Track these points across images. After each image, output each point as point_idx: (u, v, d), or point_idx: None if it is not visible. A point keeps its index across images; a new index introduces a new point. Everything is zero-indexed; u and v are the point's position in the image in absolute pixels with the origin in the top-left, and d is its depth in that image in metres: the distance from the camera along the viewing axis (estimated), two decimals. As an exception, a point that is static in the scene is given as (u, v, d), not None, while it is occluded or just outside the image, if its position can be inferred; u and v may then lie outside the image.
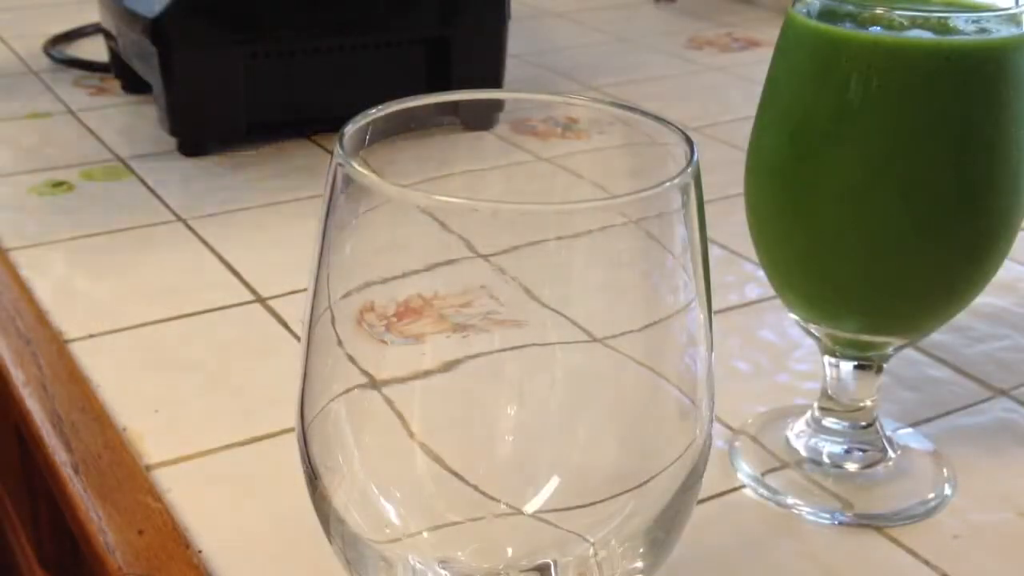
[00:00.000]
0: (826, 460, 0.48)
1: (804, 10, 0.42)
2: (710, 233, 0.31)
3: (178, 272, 0.64)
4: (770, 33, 1.07)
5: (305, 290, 0.30)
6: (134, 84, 0.89)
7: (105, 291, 0.61)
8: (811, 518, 0.45)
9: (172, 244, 0.67)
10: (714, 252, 0.67)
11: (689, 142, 0.29)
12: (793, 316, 0.47)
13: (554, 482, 0.30)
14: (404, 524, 0.31)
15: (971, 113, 0.40)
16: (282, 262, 0.65)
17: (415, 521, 0.31)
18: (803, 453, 0.48)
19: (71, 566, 0.54)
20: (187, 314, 0.59)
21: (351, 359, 0.30)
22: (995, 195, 0.42)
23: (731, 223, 0.68)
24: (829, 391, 0.48)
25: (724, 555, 0.43)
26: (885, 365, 0.47)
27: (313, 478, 0.31)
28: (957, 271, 0.43)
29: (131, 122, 0.86)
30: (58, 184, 0.75)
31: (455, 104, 0.32)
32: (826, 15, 0.42)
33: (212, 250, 0.66)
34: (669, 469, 0.30)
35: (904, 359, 0.56)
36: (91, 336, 0.57)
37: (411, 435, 0.30)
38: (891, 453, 0.48)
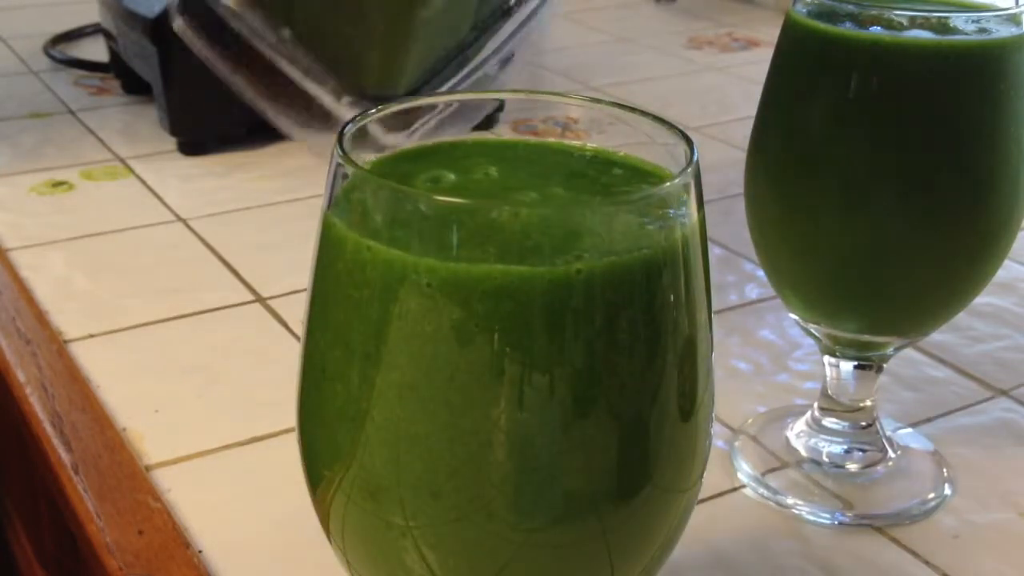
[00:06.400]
0: (826, 460, 0.48)
1: (804, 10, 0.43)
2: (710, 233, 0.32)
3: (178, 272, 0.64)
4: (770, 33, 1.07)
5: (305, 290, 0.30)
6: (134, 84, 0.89)
7: (105, 291, 0.61)
8: (811, 518, 0.45)
9: (172, 244, 0.67)
10: (714, 252, 0.67)
11: (689, 142, 0.29)
12: (793, 316, 0.47)
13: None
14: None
15: (971, 113, 0.40)
16: (282, 262, 0.65)
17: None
18: (803, 453, 0.48)
19: (71, 566, 0.54)
20: (187, 314, 0.59)
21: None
22: (995, 195, 0.42)
23: (731, 223, 0.69)
24: (829, 391, 0.48)
25: (724, 555, 0.43)
26: (885, 365, 0.47)
27: (313, 478, 0.31)
28: (957, 271, 0.43)
29: (131, 122, 0.86)
30: (58, 184, 0.75)
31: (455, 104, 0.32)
32: (826, 15, 0.42)
33: (212, 250, 0.66)
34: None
35: (904, 359, 0.56)
36: (91, 336, 0.57)
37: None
38: (891, 453, 0.48)
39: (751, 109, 0.46)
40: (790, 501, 0.46)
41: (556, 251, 0.26)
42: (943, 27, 0.40)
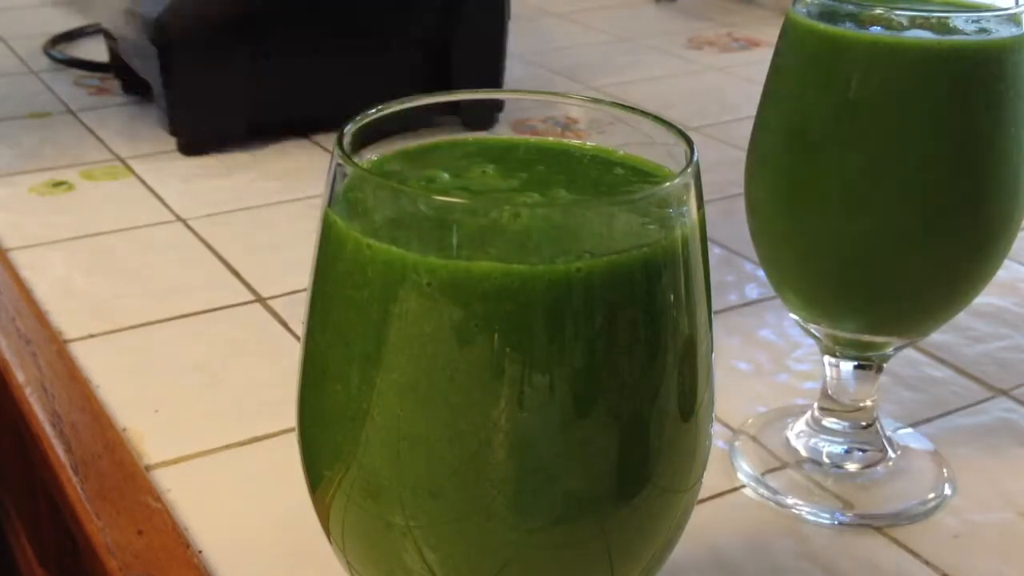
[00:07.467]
0: (826, 460, 0.48)
1: (804, 10, 0.42)
2: (710, 233, 0.31)
3: (178, 272, 0.64)
4: (770, 33, 1.07)
5: (305, 290, 0.30)
6: (134, 84, 0.89)
7: (105, 291, 0.61)
8: (811, 518, 0.45)
9: (172, 244, 0.67)
10: (714, 252, 0.67)
11: (689, 142, 0.29)
12: (793, 316, 0.47)
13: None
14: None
15: (971, 113, 0.40)
16: (282, 262, 0.65)
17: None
18: (803, 453, 0.48)
19: (71, 566, 0.54)
20: (187, 314, 0.59)
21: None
22: (995, 195, 0.42)
23: (731, 223, 0.69)
24: (829, 391, 0.48)
25: (724, 555, 0.43)
26: (885, 365, 0.47)
27: (313, 478, 0.31)
28: (957, 271, 0.43)
29: (131, 122, 0.86)
30: (58, 184, 0.75)
31: (455, 104, 0.32)
32: (826, 15, 0.42)
33: (212, 250, 0.66)
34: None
35: (904, 359, 0.56)
36: (91, 336, 0.57)
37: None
38: (891, 453, 0.48)
39: (751, 109, 0.46)
40: (790, 501, 0.46)
41: (556, 251, 0.26)
42: (943, 27, 0.40)
